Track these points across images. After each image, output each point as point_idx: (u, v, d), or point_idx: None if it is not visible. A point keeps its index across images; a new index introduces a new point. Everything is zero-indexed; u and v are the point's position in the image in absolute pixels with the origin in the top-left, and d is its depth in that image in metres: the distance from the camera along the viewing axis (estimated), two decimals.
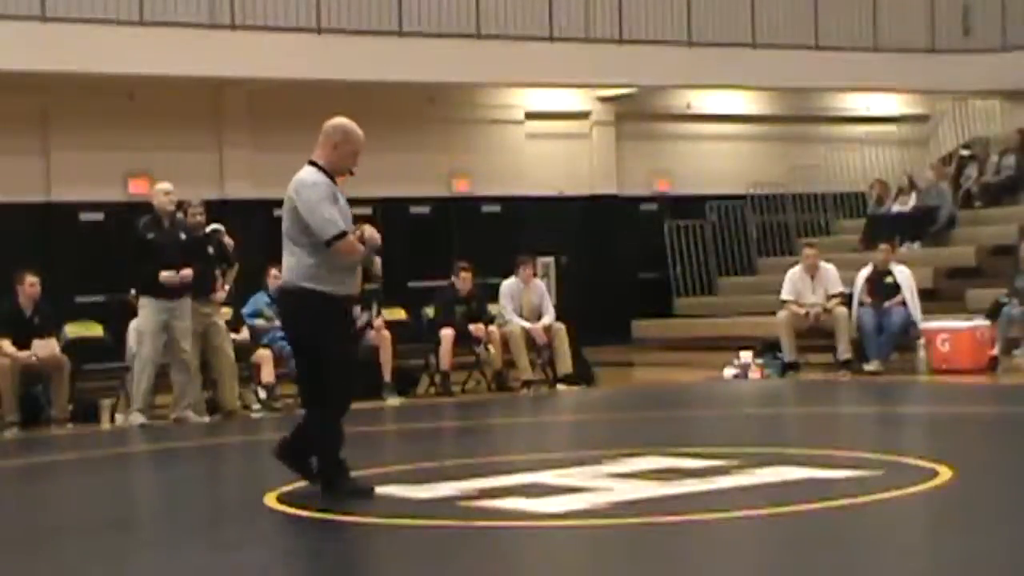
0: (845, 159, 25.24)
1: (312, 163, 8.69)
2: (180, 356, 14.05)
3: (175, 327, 13.99)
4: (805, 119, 25.70)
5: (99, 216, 20.22)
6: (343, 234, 8.50)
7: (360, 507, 8.27)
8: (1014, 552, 6.64)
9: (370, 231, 8.75)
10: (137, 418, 13.98)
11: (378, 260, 8.85)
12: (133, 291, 14.40)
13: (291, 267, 8.65)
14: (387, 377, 15.72)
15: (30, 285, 14.46)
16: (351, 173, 8.80)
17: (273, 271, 16.00)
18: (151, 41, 19.21)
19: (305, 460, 8.77)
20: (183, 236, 14.21)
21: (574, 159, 24.09)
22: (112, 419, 14.52)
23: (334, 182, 8.66)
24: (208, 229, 14.95)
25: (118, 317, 15.45)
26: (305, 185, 8.58)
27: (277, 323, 15.77)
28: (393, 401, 15.58)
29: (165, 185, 14.34)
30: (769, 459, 9.47)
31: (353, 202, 8.95)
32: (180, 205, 14.54)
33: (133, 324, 14.63)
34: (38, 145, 20.21)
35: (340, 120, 8.81)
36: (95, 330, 16.08)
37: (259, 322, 15.74)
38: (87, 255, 19.51)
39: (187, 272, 13.91)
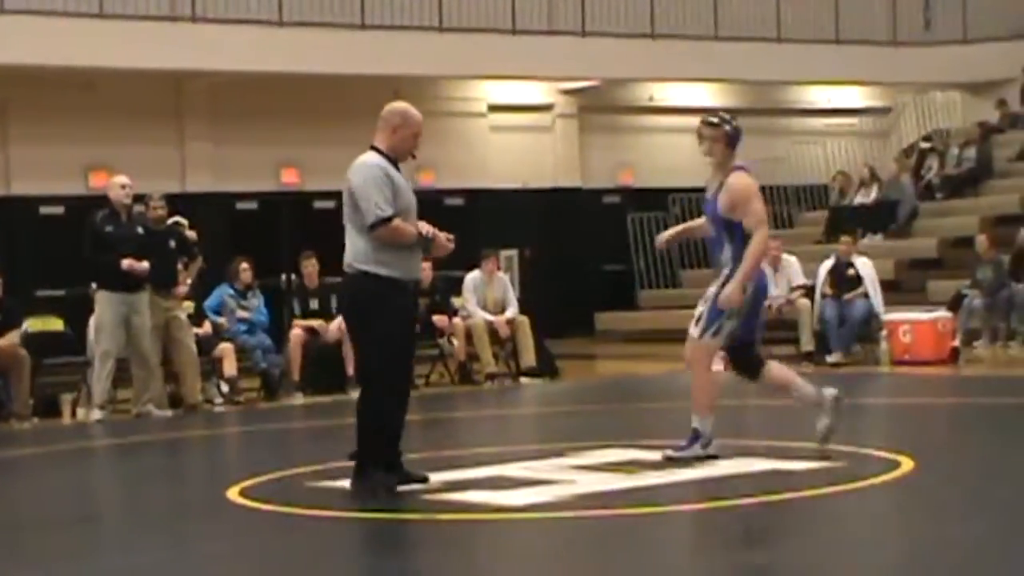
0: (807, 152, 25.31)
1: (373, 148, 8.63)
2: (140, 350, 13.95)
3: (134, 321, 13.89)
4: (768, 112, 25.75)
5: (59, 210, 20.09)
6: (386, 220, 8.37)
7: (328, 502, 8.25)
8: (975, 542, 6.67)
9: (427, 229, 8.57)
10: (95, 414, 13.89)
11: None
12: (94, 285, 14.30)
13: (349, 250, 8.55)
14: (350, 371, 15.67)
15: None
16: (413, 156, 8.73)
17: (243, 264, 15.95)
18: (111, 33, 19.11)
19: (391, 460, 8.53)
20: (140, 230, 14.12)
21: (537, 152, 24.09)
22: (73, 414, 14.43)
23: (396, 167, 8.58)
24: (170, 222, 14.88)
25: (79, 311, 15.34)
26: (356, 168, 8.51)
27: (240, 316, 15.75)
28: (357, 395, 15.44)
29: (121, 178, 14.23)
30: (732, 451, 9.48)
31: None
32: (140, 199, 14.45)
33: (93, 318, 14.53)
34: None
35: (398, 103, 8.73)
36: (56, 324, 15.95)
37: (221, 319, 15.65)
38: (47, 249, 19.38)
39: (144, 265, 13.80)
